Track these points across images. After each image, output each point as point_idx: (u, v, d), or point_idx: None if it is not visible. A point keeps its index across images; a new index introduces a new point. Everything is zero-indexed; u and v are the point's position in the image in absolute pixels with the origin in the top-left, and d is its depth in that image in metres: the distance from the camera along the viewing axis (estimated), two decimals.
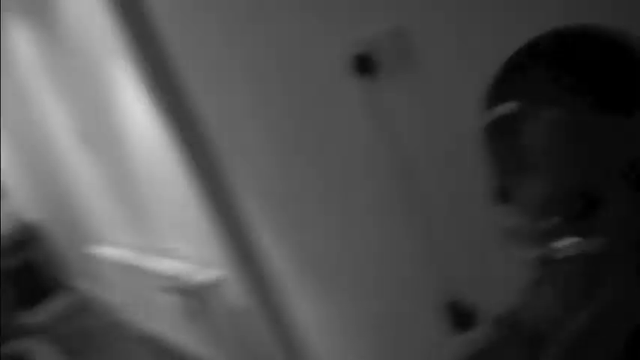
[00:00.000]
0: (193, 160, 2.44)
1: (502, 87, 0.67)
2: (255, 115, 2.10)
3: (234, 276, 2.60)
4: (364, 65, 1.50)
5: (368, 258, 1.94)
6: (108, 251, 4.08)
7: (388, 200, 1.71)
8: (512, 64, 0.68)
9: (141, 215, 3.49)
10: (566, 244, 0.62)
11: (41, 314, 5.32)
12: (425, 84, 1.46)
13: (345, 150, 1.81)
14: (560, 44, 0.65)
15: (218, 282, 2.87)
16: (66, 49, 3.58)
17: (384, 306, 1.96)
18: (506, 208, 0.68)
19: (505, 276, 0.98)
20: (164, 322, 3.72)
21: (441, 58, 1.41)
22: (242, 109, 2.15)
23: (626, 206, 0.59)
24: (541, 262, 0.67)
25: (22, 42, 4.21)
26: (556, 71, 0.62)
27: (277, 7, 1.76)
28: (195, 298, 3.06)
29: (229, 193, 2.45)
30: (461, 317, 1.66)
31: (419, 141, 1.56)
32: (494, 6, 1.27)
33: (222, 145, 2.37)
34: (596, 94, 0.59)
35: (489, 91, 0.69)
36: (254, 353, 2.86)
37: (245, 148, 2.25)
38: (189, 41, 2.24)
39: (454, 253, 1.64)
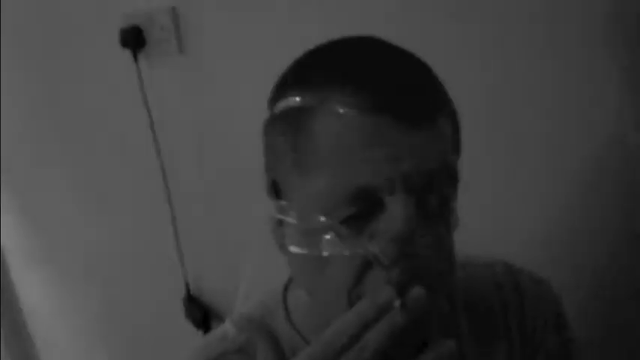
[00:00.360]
0: None
1: (289, 83, 0.65)
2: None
3: None
4: (133, 39, 1.46)
5: (118, 245, 1.83)
6: None
7: (147, 189, 1.65)
8: (304, 61, 0.66)
9: None
10: (335, 245, 0.60)
11: None
12: (194, 68, 1.46)
13: (108, 124, 1.69)
14: (354, 51, 0.64)
15: None
16: None
17: (125, 295, 1.88)
18: (278, 203, 0.66)
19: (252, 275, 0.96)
20: None
21: (217, 45, 1.41)
22: None
23: (400, 215, 0.58)
24: (304, 261, 0.65)
25: None
26: (350, 74, 0.60)
27: None
28: None
29: None
30: (198, 313, 1.66)
31: (182, 125, 1.54)
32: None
33: None
34: (390, 103, 0.58)
35: (277, 85, 0.67)
36: None
37: None
38: None
39: (201, 247, 1.63)
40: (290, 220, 0.64)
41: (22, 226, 2.13)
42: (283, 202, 0.65)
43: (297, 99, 0.61)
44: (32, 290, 2.23)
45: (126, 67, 1.48)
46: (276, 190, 0.67)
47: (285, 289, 0.80)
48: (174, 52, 1.45)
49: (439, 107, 0.62)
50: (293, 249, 0.64)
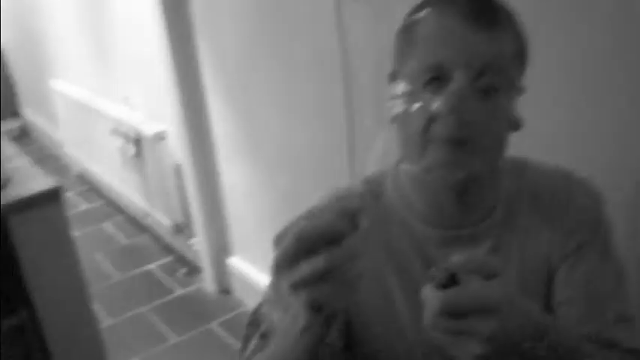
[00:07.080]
0: (169, 20, 2.59)
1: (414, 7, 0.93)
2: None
3: (178, 132, 2.81)
4: None
5: (303, 147, 2.19)
6: (65, 87, 4.18)
7: (330, 101, 1.94)
8: None
9: (106, 60, 3.60)
10: (411, 101, 0.87)
11: None
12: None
13: (304, 51, 2.02)
14: None
15: (161, 135, 3.07)
16: None
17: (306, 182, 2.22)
18: (393, 84, 0.94)
19: None
20: (104, 164, 3.91)
21: None
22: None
23: (457, 78, 0.83)
24: (397, 124, 0.92)
25: None
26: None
27: None
28: (137, 146, 3.24)
29: (193, 57, 2.62)
30: None
31: (367, 50, 1.76)
32: None
33: (199, 19, 2.54)
34: (462, 11, 0.87)
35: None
36: (177, 207, 3.11)
37: (219, 27, 2.43)
38: None
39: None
40: (396, 92, 0.90)
41: (231, 119, 2.54)
42: (397, 81, 0.92)
43: (415, 15, 0.91)
44: (233, 171, 2.65)
45: None
46: (394, 76, 0.94)
47: (400, 162, 1.01)
48: None
49: (503, 24, 0.87)
50: (392, 106, 0.91)
